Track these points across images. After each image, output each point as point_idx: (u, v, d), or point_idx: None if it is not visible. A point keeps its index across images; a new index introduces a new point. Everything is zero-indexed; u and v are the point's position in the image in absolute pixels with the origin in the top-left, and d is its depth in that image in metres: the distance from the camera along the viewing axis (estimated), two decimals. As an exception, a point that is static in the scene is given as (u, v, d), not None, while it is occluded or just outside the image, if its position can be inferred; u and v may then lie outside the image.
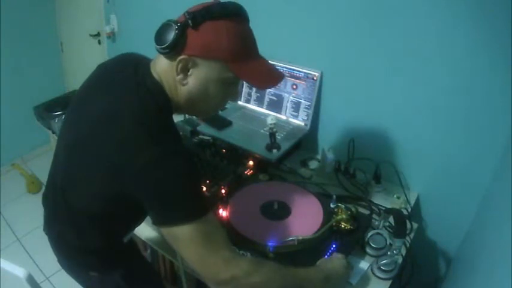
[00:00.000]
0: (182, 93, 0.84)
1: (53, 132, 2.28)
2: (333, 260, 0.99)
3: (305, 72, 1.50)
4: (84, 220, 0.91)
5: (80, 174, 0.86)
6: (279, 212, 1.16)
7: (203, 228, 0.79)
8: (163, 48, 0.78)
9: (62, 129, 0.96)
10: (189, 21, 0.77)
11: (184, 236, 0.78)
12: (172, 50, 0.78)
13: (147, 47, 0.90)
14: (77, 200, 0.90)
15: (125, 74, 0.85)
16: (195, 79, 0.82)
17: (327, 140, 1.55)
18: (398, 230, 1.06)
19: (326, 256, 1.02)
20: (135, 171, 0.75)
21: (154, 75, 0.84)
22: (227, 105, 1.74)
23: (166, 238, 0.81)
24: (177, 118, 1.75)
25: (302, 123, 1.55)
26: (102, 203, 0.86)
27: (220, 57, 0.79)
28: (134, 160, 0.75)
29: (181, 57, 0.79)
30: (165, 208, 0.79)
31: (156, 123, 0.79)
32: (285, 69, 1.55)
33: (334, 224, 1.10)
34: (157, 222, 0.81)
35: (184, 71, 0.80)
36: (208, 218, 0.80)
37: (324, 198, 1.22)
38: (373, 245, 1.09)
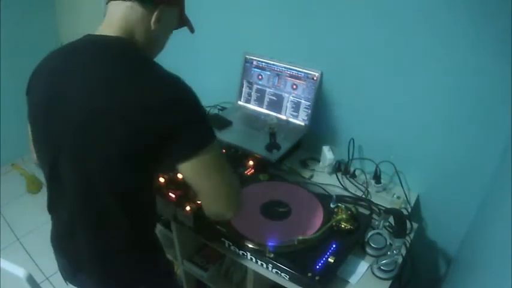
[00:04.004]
0: (151, 38, 0.89)
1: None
2: None
3: (305, 72, 1.50)
4: (108, 210, 0.83)
5: (92, 146, 0.79)
6: (279, 212, 1.16)
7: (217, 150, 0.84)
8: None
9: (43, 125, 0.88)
10: None
11: (210, 162, 0.83)
12: (154, 1, 0.84)
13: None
14: (93, 182, 0.81)
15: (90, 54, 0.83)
16: (163, 25, 0.88)
17: (327, 140, 1.55)
18: (398, 230, 1.06)
19: (326, 255, 1.02)
20: (159, 105, 0.75)
21: (114, 31, 0.83)
22: (227, 105, 1.75)
23: (190, 174, 0.83)
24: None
25: (302, 123, 1.55)
26: (120, 167, 0.79)
27: (179, 4, 0.92)
28: (157, 97, 0.76)
29: (161, 6, 0.85)
30: (192, 134, 0.79)
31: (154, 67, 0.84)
32: (285, 69, 1.55)
33: (334, 224, 1.10)
34: (185, 156, 0.79)
35: (160, 19, 0.86)
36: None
37: (324, 198, 1.22)
38: (373, 245, 1.10)
